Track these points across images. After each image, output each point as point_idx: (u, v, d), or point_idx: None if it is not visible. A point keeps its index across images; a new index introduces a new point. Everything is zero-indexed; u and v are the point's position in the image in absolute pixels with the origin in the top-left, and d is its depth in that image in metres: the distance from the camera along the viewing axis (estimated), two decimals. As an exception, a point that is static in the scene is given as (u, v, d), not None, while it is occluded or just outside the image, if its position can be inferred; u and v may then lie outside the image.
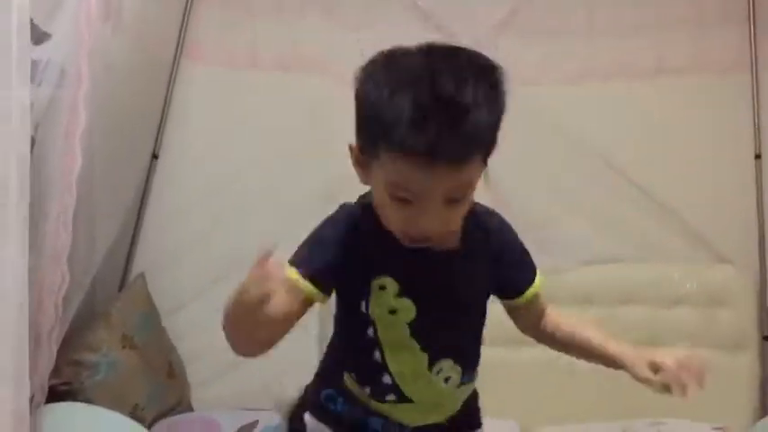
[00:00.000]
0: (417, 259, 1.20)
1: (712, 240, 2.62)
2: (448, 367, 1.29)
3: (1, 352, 1.51)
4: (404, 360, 1.27)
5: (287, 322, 1.19)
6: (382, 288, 1.23)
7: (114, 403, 2.18)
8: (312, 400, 1.39)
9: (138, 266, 2.68)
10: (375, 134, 1.10)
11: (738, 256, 2.62)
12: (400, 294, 1.23)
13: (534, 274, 1.37)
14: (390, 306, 1.24)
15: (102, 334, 2.31)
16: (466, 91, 1.07)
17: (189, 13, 2.74)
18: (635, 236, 2.65)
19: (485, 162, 1.15)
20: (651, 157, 2.63)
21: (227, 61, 2.76)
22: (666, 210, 2.62)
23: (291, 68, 2.74)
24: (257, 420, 2.40)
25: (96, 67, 1.90)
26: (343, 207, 1.28)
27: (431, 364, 1.28)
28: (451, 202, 1.12)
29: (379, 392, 1.29)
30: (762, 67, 2.60)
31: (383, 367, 1.27)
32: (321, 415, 1.37)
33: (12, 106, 1.49)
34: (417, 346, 1.26)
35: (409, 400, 1.29)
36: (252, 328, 1.15)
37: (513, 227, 2.71)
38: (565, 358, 2.53)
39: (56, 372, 2.13)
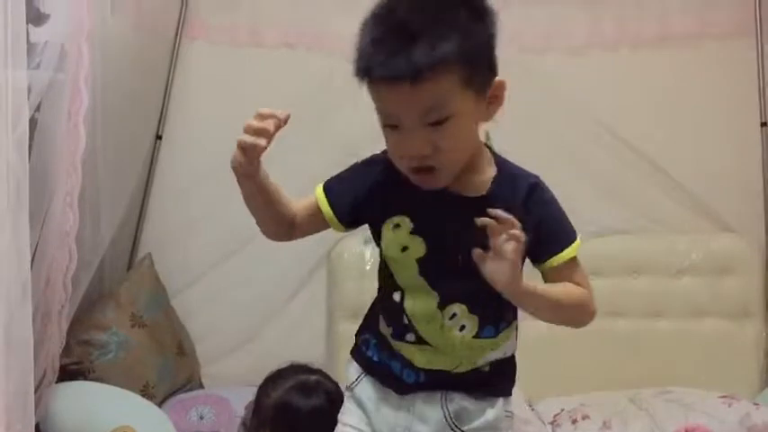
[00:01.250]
0: (434, 200, 1.27)
1: (718, 209, 2.62)
2: (462, 314, 1.31)
3: (4, 329, 1.52)
4: (417, 301, 1.32)
5: (298, 216, 1.36)
6: (397, 226, 1.30)
7: (125, 382, 2.21)
8: (355, 342, 1.48)
9: (145, 246, 2.69)
10: (359, 72, 1.20)
11: (744, 224, 2.61)
12: (413, 232, 1.30)
13: (562, 247, 1.31)
14: (402, 243, 1.30)
15: (112, 314, 2.33)
16: (419, 17, 1.15)
17: (189, -8, 2.73)
18: (640, 206, 2.64)
19: (471, 82, 1.19)
20: (656, 127, 2.62)
21: (229, 39, 2.74)
22: (672, 179, 2.61)
23: (295, 45, 2.73)
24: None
25: (97, 48, 1.90)
26: (377, 154, 1.36)
27: (442, 307, 1.31)
28: (434, 124, 1.18)
29: (400, 333, 1.35)
30: (766, 33, 2.57)
31: (401, 307, 1.33)
32: (358, 357, 1.45)
33: (7, 87, 1.48)
34: (427, 285, 1.30)
35: (427, 343, 1.33)
36: (263, 207, 1.32)
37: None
38: (571, 331, 2.58)
39: (66, 351, 2.16)
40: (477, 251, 1.20)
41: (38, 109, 1.71)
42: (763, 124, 2.58)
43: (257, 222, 1.36)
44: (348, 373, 1.47)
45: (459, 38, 1.16)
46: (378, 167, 1.34)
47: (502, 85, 1.26)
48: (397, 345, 1.36)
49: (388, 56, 1.13)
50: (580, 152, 2.62)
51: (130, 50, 2.30)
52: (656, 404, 2.33)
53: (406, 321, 1.33)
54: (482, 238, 1.21)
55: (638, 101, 2.64)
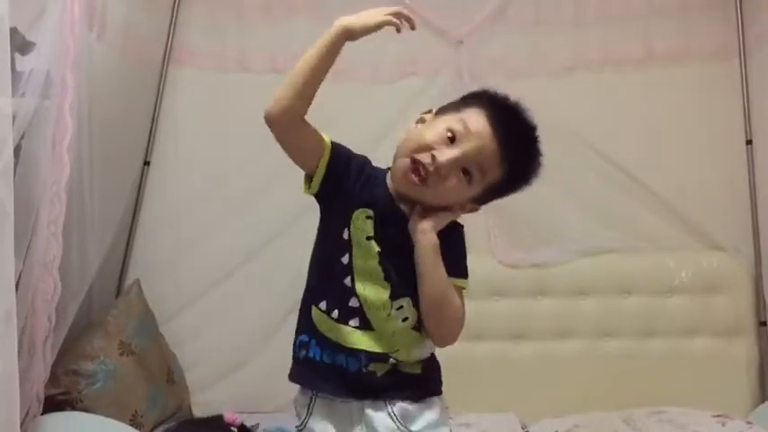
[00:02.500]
0: (398, 210, 1.48)
1: (706, 227, 2.63)
2: (407, 307, 1.49)
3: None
4: (368, 288, 1.47)
5: (307, 123, 1.51)
6: (369, 218, 1.47)
7: (114, 411, 2.18)
8: (293, 359, 1.56)
9: (133, 273, 2.67)
10: (471, 102, 1.50)
11: (732, 242, 2.62)
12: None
13: (461, 276, 1.52)
14: (369, 232, 1.47)
15: (100, 342, 2.30)
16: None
17: (176, 18, 2.74)
18: (629, 226, 2.65)
19: (483, 190, 1.48)
20: (643, 146, 2.64)
21: (216, 64, 2.76)
22: (659, 198, 2.63)
23: (282, 70, 2.74)
24: (258, 423, 2.40)
25: (82, 76, 1.90)
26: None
27: (393, 298, 1.48)
28: (463, 171, 1.43)
29: (345, 315, 1.47)
30: (750, 52, 2.60)
31: (352, 291, 1.47)
32: (297, 372, 1.54)
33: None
34: (382, 275, 1.47)
35: (370, 328, 1.47)
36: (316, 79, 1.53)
37: (508, 222, 2.72)
38: (563, 351, 2.59)
39: (54, 381, 2.13)
40: (417, 209, 1.46)
41: (23, 137, 1.70)
42: (748, 142, 2.60)
43: (293, 86, 1.52)
44: (296, 410, 1.55)
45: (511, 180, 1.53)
46: (371, 167, 1.53)
47: (476, 210, 1.53)
48: (337, 327, 1.48)
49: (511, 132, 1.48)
50: (568, 173, 2.63)
51: (117, 77, 2.30)
52: (649, 424, 2.32)
53: (354, 305, 1.47)
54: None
55: (624, 121, 2.66)
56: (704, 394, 2.49)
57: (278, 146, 2.36)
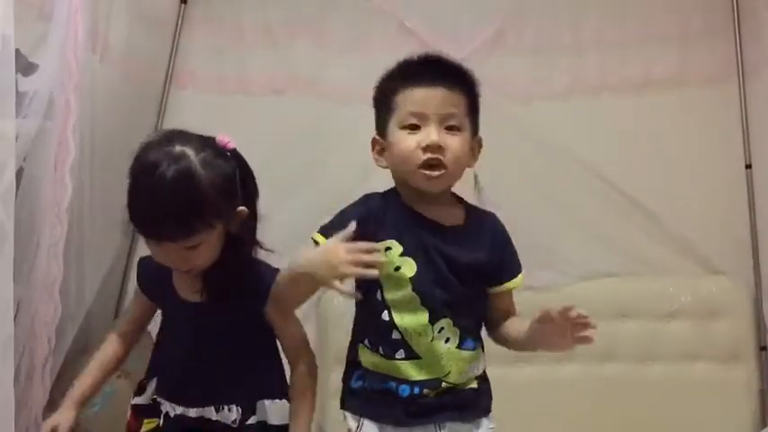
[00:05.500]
0: (418, 227, 1.53)
1: (706, 252, 2.63)
2: (447, 327, 1.53)
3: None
4: (406, 316, 1.51)
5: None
6: (388, 249, 1.51)
7: (111, 434, 2.17)
8: (342, 390, 1.61)
9: (131, 296, 2.65)
10: (392, 91, 1.57)
11: (732, 266, 2.62)
12: (403, 254, 1.52)
13: (517, 273, 1.64)
14: (395, 263, 1.51)
15: (98, 364, 2.29)
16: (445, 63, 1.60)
17: (177, 41, 2.75)
18: (628, 250, 2.64)
19: (471, 115, 1.58)
20: (642, 171, 2.64)
21: (218, 87, 2.76)
22: (659, 222, 2.62)
23: (283, 92, 2.75)
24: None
25: (85, 98, 1.91)
26: (369, 193, 1.61)
27: (432, 321, 1.52)
28: (448, 128, 1.52)
29: (390, 350, 1.52)
30: (748, 76, 2.61)
31: (392, 325, 1.51)
32: (349, 401, 1.58)
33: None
34: (419, 301, 1.51)
35: (417, 356, 1.51)
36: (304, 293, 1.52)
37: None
38: (562, 376, 2.57)
39: (52, 405, 2.11)
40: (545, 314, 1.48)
41: (24, 159, 1.70)
42: (747, 166, 2.60)
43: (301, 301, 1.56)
44: (348, 425, 1.58)
45: (473, 87, 1.60)
46: (370, 202, 1.57)
47: (480, 142, 1.63)
48: (385, 363, 1.52)
49: (432, 72, 1.55)
50: (567, 196, 2.63)
51: (119, 99, 2.31)
52: (649, 450, 2.31)
53: (396, 336, 1.52)
54: (463, 259, 1.53)
55: (623, 145, 2.66)
56: (704, 419, 2.48)
57: (279, 168, 2.38)
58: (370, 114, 2.72)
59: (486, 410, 1.61)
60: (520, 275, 1.63)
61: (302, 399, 1.58)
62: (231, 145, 1.51)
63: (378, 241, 1.49)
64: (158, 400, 1.58)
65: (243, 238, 1.53)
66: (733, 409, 2.54)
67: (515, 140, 2.62)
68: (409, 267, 1.51)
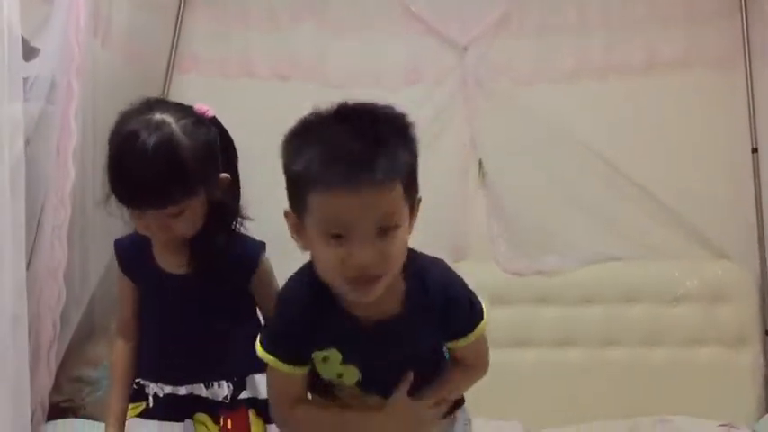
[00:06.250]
0: (356, 329, 1.31)
1: (711, 236, 2.61)
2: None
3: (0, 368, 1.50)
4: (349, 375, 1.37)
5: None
6: (326, 359, 1.34)
7: (116, 418, 2.17)
8: None
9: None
10: (303, 187, 1.19)
11: (738, 251, 2.60)
12: (344, 362, 1.34)
13: (469, 330, 1.38)
14: (336, 371, 1.36)
15: (103, 349, 2.29)
16: (372, 130, 1.20)
17: (180, 25, 2.74)
18: (634, 234, 2.63)
19: (408, 197, 1.23)
20: (647, 154, 2.62)
21: (221, 71, 2.75)
22: (664, 207, 2.61)
23: (287, 76, 2.74)
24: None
25: (87, 82, 1.90)
26: (291, 281, 1.37)
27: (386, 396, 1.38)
28: (382, 232, 1.19)
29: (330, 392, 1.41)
30: (755, 59, 2.59)
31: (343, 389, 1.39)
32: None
33: (3, 122, 1.47)
34: (365, 393, 1.38)
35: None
36: None
37: (512, 230, 2.69)
38: (567, 360, 2.58)
39: (57, 388, 2.13)
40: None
41: (27, 143, 1.70)
42: (753, 150, 2.59)
43: None
44: None
45: (407, 155, 1.22)
46: (299, 305, 1.33)
47: (420, 201, 1.29)
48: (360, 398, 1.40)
49: (351, 167, 1.15)
50: (572, 180, 2.62)
51: (121, 83, 2.30)
52: (654, 433, 2.31)
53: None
54: (411, 347, 1.34)
55: (628, 129, 2.65)
56: (709, 403, 2.47)
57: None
58: (374, 98, 2.72)
59: (459, 402, 1.51)
60: (475, 330, 1.38)
61: None
62: (210, 113, 1.50)
63: (313, 350, 1.33)
64: (142, 383, 1.58)
65: (227, 205, 1.52)
66: (738, 393, 2.53)
67: (520, 124, 2.61)
68: (352, 374, 1.35)
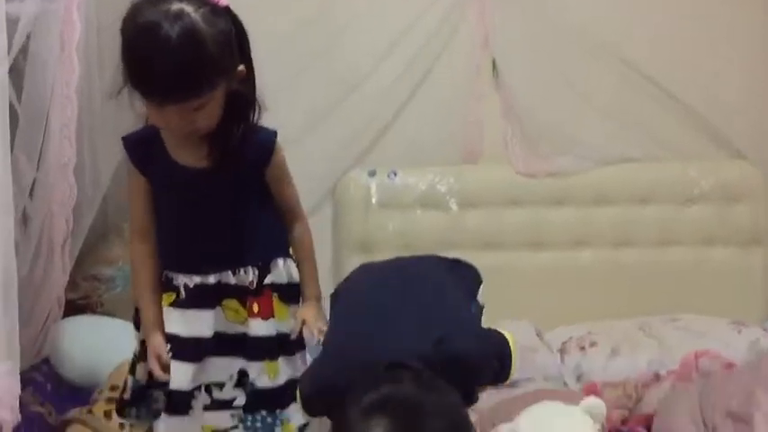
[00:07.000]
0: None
1: (728, 136, 2.57)
2: None
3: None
4: None
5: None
6: None
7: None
8: None
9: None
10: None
11: (755, 151, 2.56)
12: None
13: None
14: None
15: (118, 248, 2.33)
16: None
17: None
18: (648, 134, 2.59)
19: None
20: (663, 51, 2.54)
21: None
22: (681, 105, 2.55)
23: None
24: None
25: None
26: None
27: None
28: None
29: None
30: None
31: None
32: None
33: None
34: None
35: None
36: None
37: (525, 130, 2.64)
38: (580, 261, 2.58)
39: (74, 287, 2.16)
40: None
41: (28, 37, 1.67)
42: (773, 50, 2.52)
43: None
44: None
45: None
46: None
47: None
48: None
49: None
50: (586, 78, 2.55)
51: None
52: (665, 331, 2.33)
53: None
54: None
55: (643, 24, 2.54)
56: (721, 303, 2.49)
57: (289, 58, 2.29)
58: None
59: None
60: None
61: (309, 256, 1.66)
62: (224, 2, 1.47)
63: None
64: (170, 275, 1.59)
65: (245, 96, 1.51)
66: (751, 292, 2.54)
67: (532, 22, 2.53)
68: None
